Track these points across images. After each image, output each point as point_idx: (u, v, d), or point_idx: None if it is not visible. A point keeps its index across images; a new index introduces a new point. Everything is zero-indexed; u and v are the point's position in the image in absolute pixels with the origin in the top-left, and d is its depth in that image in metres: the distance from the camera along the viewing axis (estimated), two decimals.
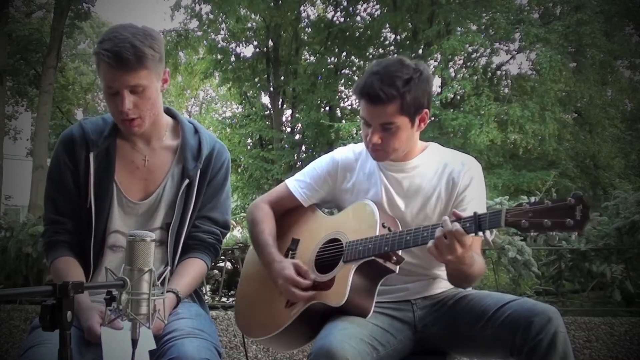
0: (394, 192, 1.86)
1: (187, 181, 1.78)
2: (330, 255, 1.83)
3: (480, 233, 1.54)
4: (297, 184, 2.01)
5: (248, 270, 2.08)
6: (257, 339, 1.92)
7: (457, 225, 1.55)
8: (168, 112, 1.86)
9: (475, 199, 1.82)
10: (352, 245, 1.76)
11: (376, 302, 1.74)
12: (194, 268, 1.81)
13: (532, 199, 1.52)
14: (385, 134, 1.77)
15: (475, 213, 1.55)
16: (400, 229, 1.76)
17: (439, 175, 1.86)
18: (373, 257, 1.72)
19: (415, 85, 1.73)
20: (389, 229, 1.75)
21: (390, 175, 1.88)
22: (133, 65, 1.60)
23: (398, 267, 1.74)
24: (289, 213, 2.03)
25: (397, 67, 1.76)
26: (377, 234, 1.73)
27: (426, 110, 1.80)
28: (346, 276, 1.71)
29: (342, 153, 1.99)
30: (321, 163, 2.00)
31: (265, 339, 1.86)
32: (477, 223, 1.54)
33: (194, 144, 1.82)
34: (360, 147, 1.98)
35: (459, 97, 15.07)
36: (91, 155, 1.75)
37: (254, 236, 1.98)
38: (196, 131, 1.85)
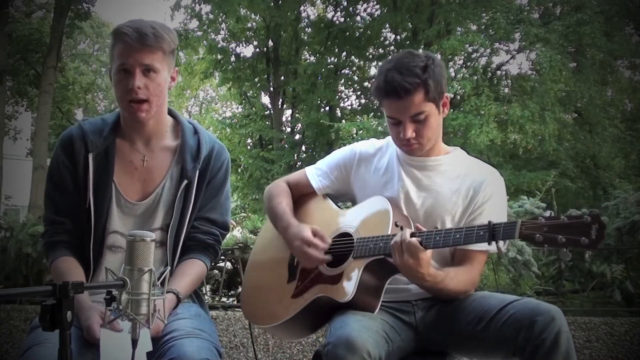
0: (411, 188, 1.85)
1: (185, 182, 1.78)
2: (340, 249, 1.82)
3: (493, 243, 1.54)
4: (314, 171, 2.03)
5: (256, 259, 2.09)
6: (263, 327, 1.95)
7: (408, 237, 1.60)
8: (169, 112, 1.87)
9: (494, 214, 1.78)
10: (362, 242, 1.76)
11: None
12: (194, 269, 1.81)
13: (548, 213, 1.52)
14: (418, 126, 1.77)
15: (489, 222, 1.55)
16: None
17: (460, 181, 1.85)
18: (383, 256, 1.71)
19: (433, 71, 1.75)
20: (402, 229, 1.73)
21: (411, 170, 1.87)
22: (152, 42, 1.66)
23: None
24: (302, 204, 2.03)
25: (410, 58, 1.78)
26: (390, 232, 1.72)
27: (446, 94, 1.81)
28: (355, 273, 1.71)
29: (363, 145, 2.00)
30: (340, 153, 2.02)
31: (270, 327, 1.87)
32: (490, 232, 1.54)
33: (193, 145, 1.82)
34: (382, 142, 1.98)
35: (459, 97, 15.03)
36: (90, 156, 1.75)
37: (271, 207, 2.00)
38: (196, 132, 1.85)
